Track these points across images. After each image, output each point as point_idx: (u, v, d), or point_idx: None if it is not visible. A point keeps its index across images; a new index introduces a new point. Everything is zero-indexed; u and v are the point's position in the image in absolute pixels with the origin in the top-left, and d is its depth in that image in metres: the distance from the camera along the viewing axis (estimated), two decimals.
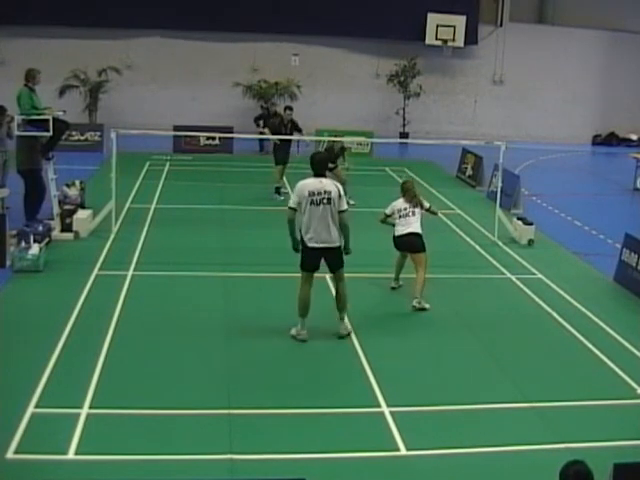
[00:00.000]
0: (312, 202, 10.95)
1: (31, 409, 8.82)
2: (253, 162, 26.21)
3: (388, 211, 13.58)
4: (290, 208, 11.18)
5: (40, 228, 14.67)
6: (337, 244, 11.23)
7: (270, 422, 8.95)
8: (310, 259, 11.24)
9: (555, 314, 12.82)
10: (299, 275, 11.52)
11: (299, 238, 11.28)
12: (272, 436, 8.62)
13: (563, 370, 10.79)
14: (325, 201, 10.97)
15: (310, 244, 11.08)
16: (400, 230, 13.32)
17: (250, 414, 9.06)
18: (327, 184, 11.09)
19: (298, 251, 11.37)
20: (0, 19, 30.48)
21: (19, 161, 16.06)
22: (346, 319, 11.63)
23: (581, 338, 11.82)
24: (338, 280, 11.49)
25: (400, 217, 13.37)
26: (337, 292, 11.58)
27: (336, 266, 11.36)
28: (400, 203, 13.50)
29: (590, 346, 11.52)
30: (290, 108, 23.74)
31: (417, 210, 13.47)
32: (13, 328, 11.26)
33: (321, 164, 11.35)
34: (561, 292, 13.93)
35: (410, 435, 8.68)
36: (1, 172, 17.67)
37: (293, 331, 11.34)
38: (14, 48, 30.59)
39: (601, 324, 12.44)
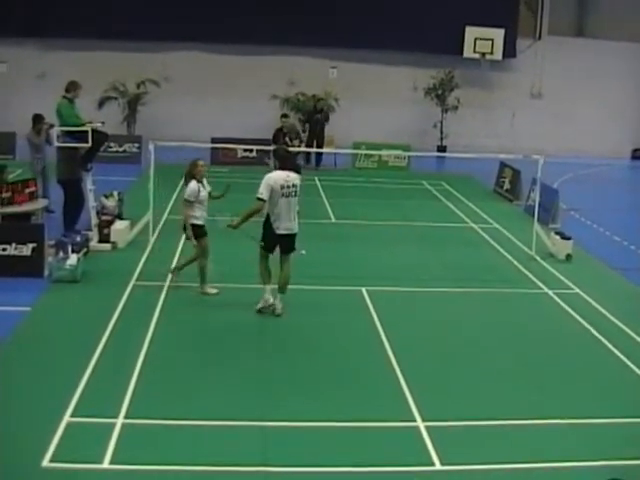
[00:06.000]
0: (283, 195, 12.26)
1: (67, 418, 8.87)
2: None
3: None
4: (262, 200, 12.25)
5: (78, 238, 14.75)
6: (296, 231, 12.60)
7: (304, 434, 8.94)
8: (274, 242, 12.52)
9: (593, 330, 12.68)
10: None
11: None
12: (306, 448, 8.60)
13: (602, 387, 10.66)
14: (294, 194, 12.38)
15: (278, 232, 12.38)
16: None
17: (284, 426, 9.05)
18: (293, 177, 12.45)
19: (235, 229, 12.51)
20: (41, 32, 31.03)
21: (59, 171, 16.27)
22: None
23: (620, 355, 11.67)
24: (285, 261, 12.66)
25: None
26: (283, 271, 12.64)
27: (289, 250, 12.64)
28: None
29: (629, 364, 11.37)
30: (285, 115, 23.77)
31: None
32: (50, 337, 11.35)
33: (287, 160, 12.83)
34: (600, 308, 13.78)
35: (445, 450, 8.62)
36: (40, 180, 17.92)
37: (260, 305, 12.58)
38: (54, 61, 31.02)
39: None
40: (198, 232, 13.15)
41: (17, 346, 10.95)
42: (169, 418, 9.04)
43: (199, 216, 13.13)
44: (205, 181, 13.37)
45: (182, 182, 13.74)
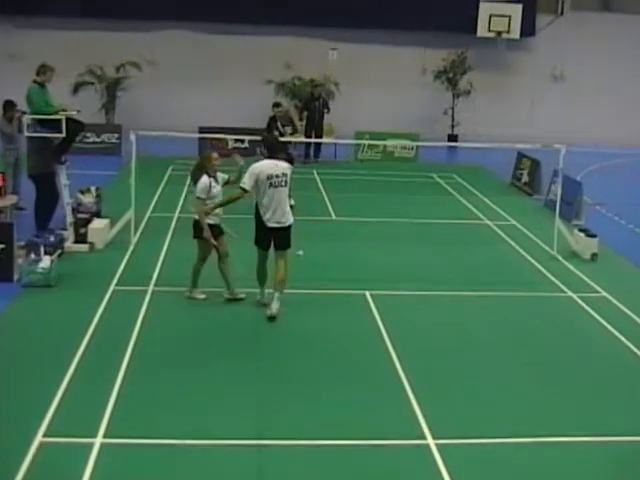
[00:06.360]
0: (271, 185, 12.46)
1: (39, 438, 8.83)
2: None
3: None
4: (244, 190, 12.54)
5: (52, 239, 14.76)
6: (289, 223, 12.73)
7: (304, 453, 8.92)
8: (266, 237, 12.75)
9: (622, 337, 12.66)
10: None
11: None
12: (307, 468, 8.58)
13: (632, 401, 10.64)
14: (283, 183, 12.55)
15: (269, 224, 12.60)
16: None
17: (282, 445, 9.03)
18: (283, 166, 12.65)
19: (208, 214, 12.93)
20: (11, 9, 30.96)
21: (30, 165, 16.24)
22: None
23: None
24: (281, 257, 12.79)
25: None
26: (279, 269, 12.76)
27: (284, 246, 12.81)
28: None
29: None
30: (277, 105, 24.05)
31: None
32: (21, 349, 11.32)
33: (276, 147, 13.07)
34: (628, 312, 13.78)
35: (459, 470, 8.59)
36: (11, 174, 17.88)
37: (258, 297, 13.18)
38: (26, 41, 30.96)
39: None
40: (213, 232, 13.08)
41: None
42: (153, 437, 9.01)
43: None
44: (219, 175, 13.30)
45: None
